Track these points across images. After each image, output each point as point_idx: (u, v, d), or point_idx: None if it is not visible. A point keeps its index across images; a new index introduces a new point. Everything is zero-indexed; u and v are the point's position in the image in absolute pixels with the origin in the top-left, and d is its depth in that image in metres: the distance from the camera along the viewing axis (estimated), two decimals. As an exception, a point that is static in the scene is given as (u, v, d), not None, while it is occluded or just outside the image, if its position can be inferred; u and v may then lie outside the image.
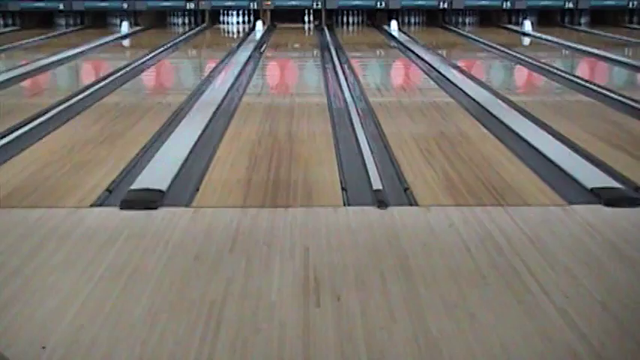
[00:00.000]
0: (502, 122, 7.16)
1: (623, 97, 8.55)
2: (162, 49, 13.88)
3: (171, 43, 14.95)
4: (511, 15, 19.29)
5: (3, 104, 8.24)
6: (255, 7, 18.64)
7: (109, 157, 5.84)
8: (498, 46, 14.15)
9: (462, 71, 11.11)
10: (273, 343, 3.05)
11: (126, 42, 16.26)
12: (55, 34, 17.05)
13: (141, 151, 5.99)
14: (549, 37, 15.85)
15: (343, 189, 5.05)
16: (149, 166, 5.49)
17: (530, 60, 12.25)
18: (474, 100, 8.44)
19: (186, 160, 5.69)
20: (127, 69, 11.18)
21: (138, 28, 18.26)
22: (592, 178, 5.20)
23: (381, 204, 4.67)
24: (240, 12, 19.14)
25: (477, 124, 7.17)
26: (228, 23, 19.17)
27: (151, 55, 12.92)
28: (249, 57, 12.59)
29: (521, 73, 11.65)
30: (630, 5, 18.71)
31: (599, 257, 3.91)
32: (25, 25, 18.31)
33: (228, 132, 6.78)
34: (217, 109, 7.84)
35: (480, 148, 6.18)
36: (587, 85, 9.61)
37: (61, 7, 18.40)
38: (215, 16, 19.16)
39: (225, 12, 19.18)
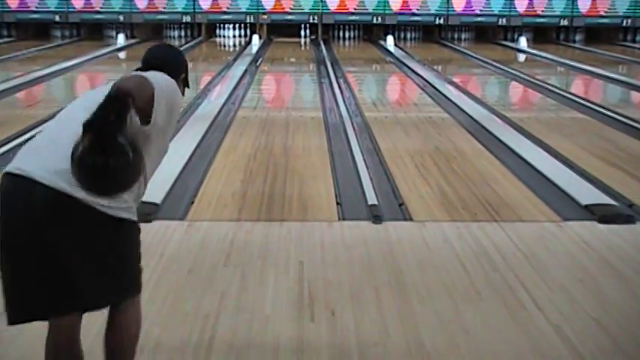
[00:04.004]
0: (497, 138, 7.18)
1: (618, 114, 8.59)
2: (158, 61, 13.88)
3: (168, 56, 14.94)
4: (507, 31, 19.40)
5: (-2, 115, 8.23)
6: (252, 20, 18.70)
7: (104, 170, 5.82)
8: (494, 63, 14.21)
9: (457, 87, 11.15)
10: (267, 357, 3.04)
11: (122, 54, 16.29)
12: (51, 45, 17.06)
13: (136, 163, 5.98)
14: (544, 54, 15.92)
15: (338, 203, 5.04)
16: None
17: (525, 76, 12.30)
18: (469, 115, 8.46)
19: (181, 173, 5.68)
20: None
21: (134, 40, 18.29)
22: (586, 194, 5.21)
23: (376, 219, 4.67)
24: (237, 26, 19.19)
25: (472, 139, 7.19)
26: (224, 37, 19.22)
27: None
28: (245, 71, 12.62)
29: (516, 90, 11.69)
30: (624, 23, 18.84)
31: (594, 274, 3.92)
32: (20, 36, 18.32)
33: (223, 145, 6.78)
34: (213, 122, 7.84)
35: (475, 163, 6.19)
36: (582, 102, 9.65)
37: (57, 18, 18.44)
38: (211, 29, 19.21)
39: (222, 25, 19.23)
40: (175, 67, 2.68)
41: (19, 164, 2.30)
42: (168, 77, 2.53)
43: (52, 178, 2.20)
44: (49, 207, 2.20)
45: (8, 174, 2.29)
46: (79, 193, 2.20)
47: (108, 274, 2.32)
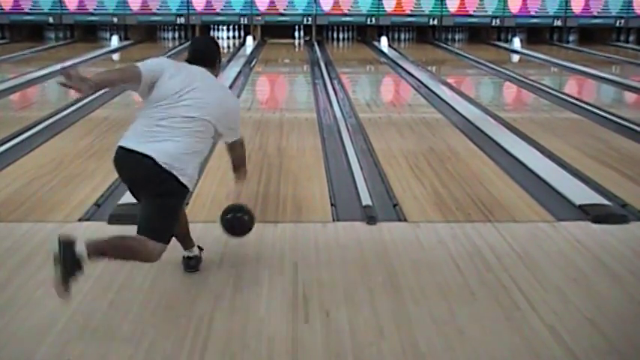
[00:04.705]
0: (491, 138, 7.20)
1: (611, 114, 8.61)
2: (152, 63, 13.86)
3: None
4: (500, 32, 19.44)
5: (-9, 117, 8.21)
6: (246, 22, 18.70)
7: (98, 171, 5.82)
8: (487, 63, 14.24)
9: (451, 87, 11.16)
10: (261, 358, 3.04)
11: (116, 56, 16.26)
12: (45, 47, 17.03)
13: (130, 165, 5.96)
14: (538, 55, 15.96)
15: (332, 204, 5.05)
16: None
17: (518, 77, 12.33)
18: (463, 116, 8.47)
19: (176, 174, 5.66)
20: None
21: (128, 42, 18.29)
22: (580, 194, 5.23)
23: (370, 219, 4.67)
24: (231, 27, 19.19)
25: (466, 140, 7.20)
26: (218, 38, 19.19)
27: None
28: (239, 72, 12.61)
29: (510, 90, 11.71)
30: (617, 24, 18.90)
31: (587, 274, 3.93)
32: (14, 38, 18.28)
33: (217, 146, 6.75)
34: (207, 123, 7.81)
35: (468, 164, 6.20)
36: (576, 102, 9.67)
37: (51, 20, 18.40)
38: (205, 30, 19.19)
39: (216, 27, 19.22)
40: (214, 57, 3.79)
41: (131, 144, 3.40)
42: (229, 95, 3.83)
43: (152, 152, 3.34)
44: (147, 168, 3.34)
45: (122, 147, 3.42)
46: (164, 163, 3.33)
47: (156, 217, 3.40)
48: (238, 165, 3.89)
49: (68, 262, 3.11)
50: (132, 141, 3.42)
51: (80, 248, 3.16)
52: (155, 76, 3.55)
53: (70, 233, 3.28)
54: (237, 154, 3.85)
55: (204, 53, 3.76)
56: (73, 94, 9.86)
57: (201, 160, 3.58)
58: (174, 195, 3.42)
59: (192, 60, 3.72)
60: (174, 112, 3.46)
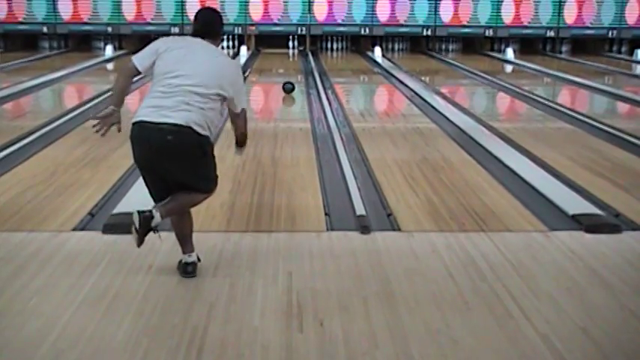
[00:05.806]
0: (484, 148, 7.22)
1: (604, 124, 8.65)
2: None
3: (156, 67, 14.92)
4: (493, 43, 19.51)
5: (-15, 127, 8.19)
6: (240, 32, 18.73)
7: (92, 181, 5.82)
8: (481, 73, 14.29)
9: (444, 97, 11.20)
10: (255, 368, 3.04)
11: (110, 65, 16.26)
12: (39, 56, 17.03)
13: (124, 174, 5.97)
14: (531, 65, 16.02)
15: (326, 214, 5.06)
16: (132, 189, 5.46)
17: (512, 87, 12.38)
18: (456, 126, 8.50)
19: (170, 184, 5.66)
20: (111, 92, 11.09)
21: (122, 51, 18.28)
22: (573, 204, 5.25)
23: (364, 229, 4.68)
24: (225, 37, 19.20)
25: (459, 150, 7.22)
26: (212, 48, 19.20)
27: (134, 79, 12.87)
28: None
29: (503, 100, 11.75)
30: (610, 35, 19.00)
31: (580, 283, 3.94)
32: (8, 47, 18.27)
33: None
34: (201, 133, 7.81)
35: (462, 174, 6.22)
36: (568, 112, 9.71)
37: (45, 30, 18.40)
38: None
39: (210, 37, 19.21)
40: (219, 28, 4.01)
41: (150, 117, 3.72)
42: (236, 68, 4.08)
43: (173, 120, 3.65)
44: (173, 132, 3.66)
45: (142, 121, 3.75)
46: (188, 124, 3.66)
47: (194, 172, 3.80)
48: (238, 135, 4.06)
49: (145, 231, 3.70)
50: (151, 115, 3.71)
51: (156, 220, 3.70)
52: (151, 60, 3.88)
53: (149, 211, 3.73)
54: (236, 124, 4.04)
55: (208, 26, 3.97)
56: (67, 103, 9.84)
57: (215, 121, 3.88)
58: (206, 149, 3.79)
59: (197, 33, 3.94)
60: (177, 83, 3.72)
